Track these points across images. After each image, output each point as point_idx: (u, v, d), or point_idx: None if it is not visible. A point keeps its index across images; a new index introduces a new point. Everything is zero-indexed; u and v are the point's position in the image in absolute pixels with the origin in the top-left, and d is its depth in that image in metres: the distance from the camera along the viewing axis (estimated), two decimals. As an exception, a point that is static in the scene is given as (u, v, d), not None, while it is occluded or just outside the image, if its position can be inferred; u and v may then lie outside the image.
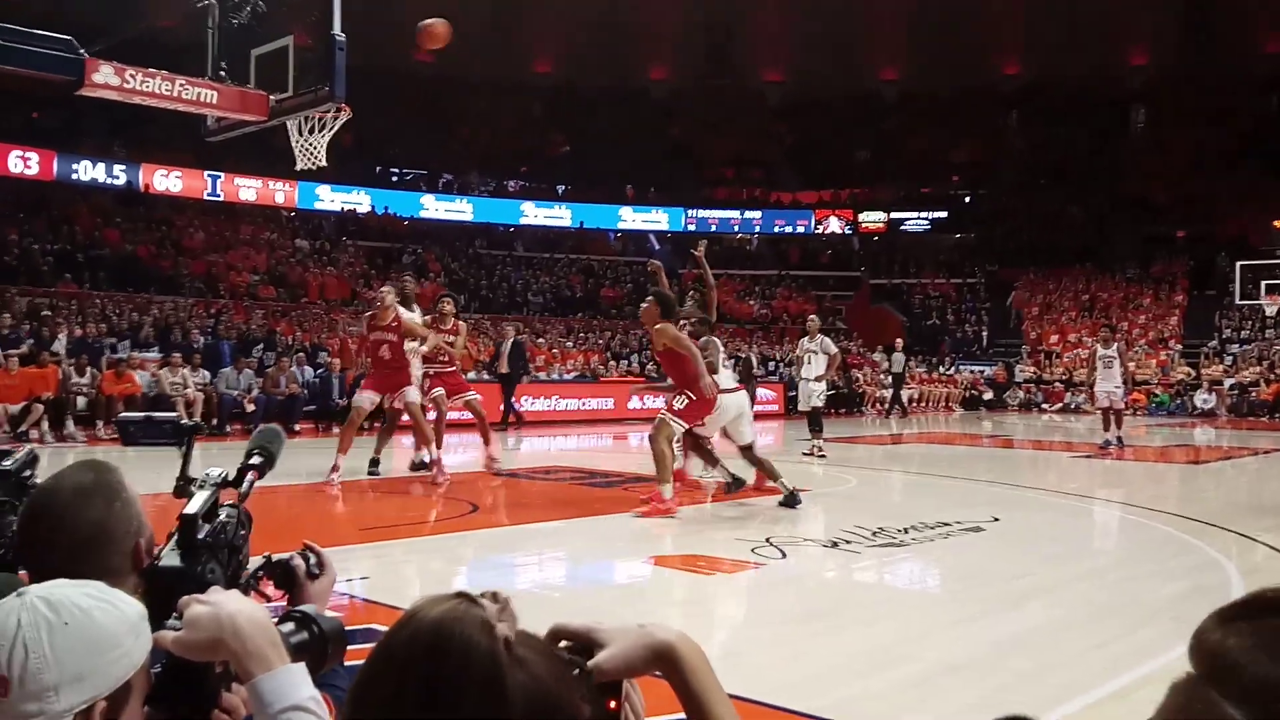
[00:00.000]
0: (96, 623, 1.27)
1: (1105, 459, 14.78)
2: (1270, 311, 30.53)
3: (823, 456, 13.67)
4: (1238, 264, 31.60)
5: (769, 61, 45.08)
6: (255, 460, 1.90)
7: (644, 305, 9.14)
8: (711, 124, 43.80)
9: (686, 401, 8.85)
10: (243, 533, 1.74)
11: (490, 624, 1.04)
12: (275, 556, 1.74)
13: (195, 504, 1.69)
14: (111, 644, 1.28)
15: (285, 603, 1.65)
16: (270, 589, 1.82)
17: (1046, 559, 7.05)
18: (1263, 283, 30.18)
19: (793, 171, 43.39)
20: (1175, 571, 6.58)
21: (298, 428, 17.53)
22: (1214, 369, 29.54)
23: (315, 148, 9.45)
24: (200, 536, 1.66)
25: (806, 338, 14.45)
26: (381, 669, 1.06)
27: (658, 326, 8.81)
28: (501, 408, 19.12)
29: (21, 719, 1.22)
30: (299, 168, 9.27)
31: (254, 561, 1.77)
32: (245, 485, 1.83)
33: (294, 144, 9.40)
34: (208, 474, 1.77)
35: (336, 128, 9.40)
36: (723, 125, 44.02)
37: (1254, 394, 27.84)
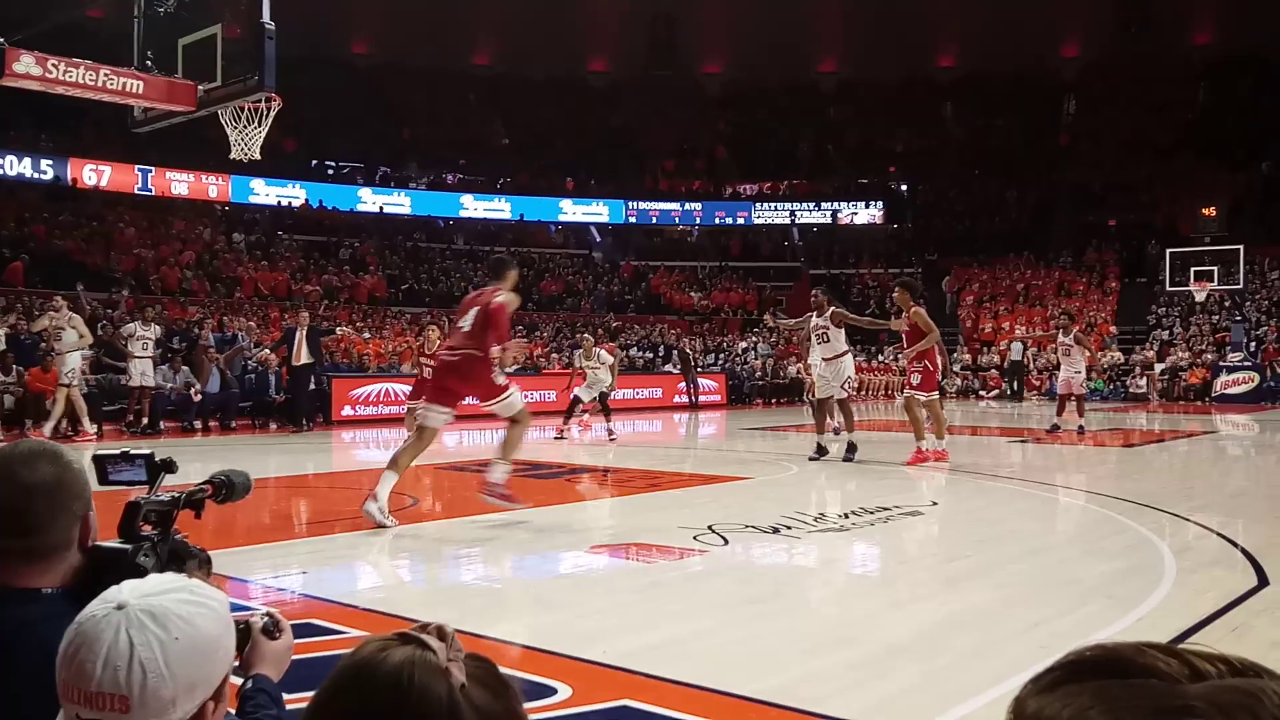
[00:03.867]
0: (201, 631, 1.32)
1: (1050, 443, 15.04)
2: (1199, 298, 31.23)
3: (613, 439, 16.15)
4: (1167, 251, 32.28)
5: (709, 53, 45.23)
6: (216, 479, 2.00)
7: (897, 292, 12.17)
8: (652, 115, 43.82)
9: (920, 376, 11.76)
10: (193, 551, 1.82)
11: (445, 669, 1.03)
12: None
13: (143, 499, 1.78)
14: (215, 646, 1.35)
15: (237, 662, 1.63)
16: None
17: (985, 541, 7.14)
18: (1191, 269, 30.85)
19: (733, 163, 43.53)
20: (1110, 551, 6.69)
21: (234, 425, 17.24)
22: (1146, 354, 30.16)
23: (251, 139, 9.31)
24: (145, 534, 1.75)
25: (582, 351, 17.14)
26: None
27: (914, 309, 11.68)
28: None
29: None
30: (233, 157, 9.11)
31: None
32: (195, 491, 1.91)
33: (229, 134, 9.25)
34: (169, 493, 1.87)
35: (271, 119, 9.26)
36: (664, 117, 44.05)
37: (1183, 378, 28.51)
